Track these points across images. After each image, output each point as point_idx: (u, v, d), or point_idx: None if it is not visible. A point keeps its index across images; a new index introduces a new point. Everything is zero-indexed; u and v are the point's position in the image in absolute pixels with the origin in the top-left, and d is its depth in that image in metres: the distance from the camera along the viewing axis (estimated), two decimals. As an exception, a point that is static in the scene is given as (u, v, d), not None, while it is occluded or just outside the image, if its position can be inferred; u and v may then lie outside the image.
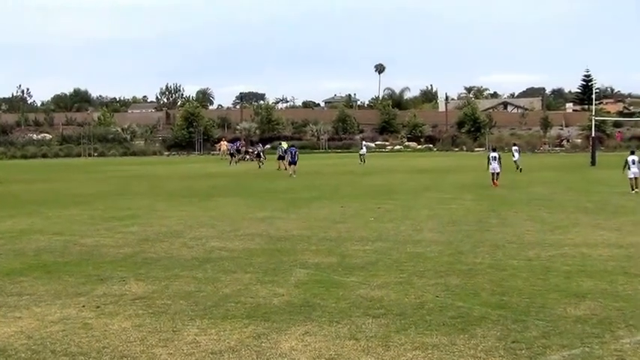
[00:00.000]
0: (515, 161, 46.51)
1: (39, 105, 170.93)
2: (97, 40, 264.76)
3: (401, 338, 8.96)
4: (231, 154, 67.05)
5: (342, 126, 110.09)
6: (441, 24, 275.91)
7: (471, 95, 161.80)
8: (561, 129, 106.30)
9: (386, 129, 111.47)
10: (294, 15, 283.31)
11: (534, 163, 57.75)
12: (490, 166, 35.42)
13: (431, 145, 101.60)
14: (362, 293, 11.38)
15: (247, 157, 71.21)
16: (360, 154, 64.11)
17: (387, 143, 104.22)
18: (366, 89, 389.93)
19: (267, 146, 59.45)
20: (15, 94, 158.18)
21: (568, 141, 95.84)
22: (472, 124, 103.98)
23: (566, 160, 66.65)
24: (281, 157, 53.30)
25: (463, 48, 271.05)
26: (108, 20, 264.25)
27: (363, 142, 71.52)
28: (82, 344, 8.86)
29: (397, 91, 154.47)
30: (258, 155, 59.67)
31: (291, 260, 14.43)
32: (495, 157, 35.62)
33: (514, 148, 49.53)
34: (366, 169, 53.16)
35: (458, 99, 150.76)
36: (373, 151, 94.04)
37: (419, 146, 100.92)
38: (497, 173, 35.19)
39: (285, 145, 74.93)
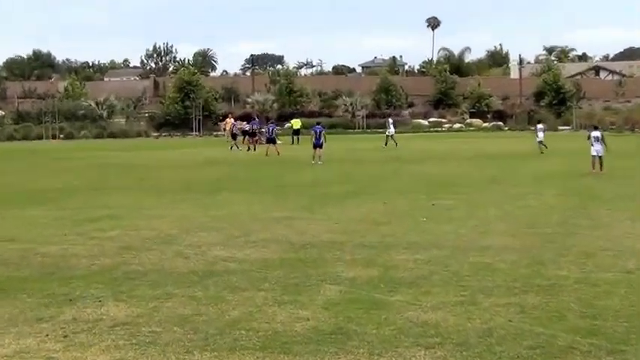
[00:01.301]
0: (539, 142, 52.07)
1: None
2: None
3: (463, 376, 8.96)
4: (234, 135, 67.07)
5: (385, 98, 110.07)
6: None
7: (552, 58, 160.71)
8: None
9: (442, 102, 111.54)
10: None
11: (633, 146, 57.33)
12: (592, 149, 35.84)
13: (500, 123, 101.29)
14: (411, 316, 11.37)
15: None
16: (388, 135, 65.15)
17: (443, 120, 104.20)
18: (416, 50, 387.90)
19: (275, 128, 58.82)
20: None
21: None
22: (554, 95, 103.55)
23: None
24: (271, 140, 54.49)
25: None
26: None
27: (390, 120, 71.75)
28: (45, 384, 8.93)
29: (456, 52, 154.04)
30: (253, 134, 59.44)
31: (319, 274, 14.45)
32: (598, 137, 36.15)
33: (539, 126, 54.78)
34: (410, 154, 53.02)
35: (535, 62, 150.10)
36: (426, 131, 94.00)
37: (485, 124, 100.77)
38: (600, 157, 35.43)
39: (296, 123, 75.25)
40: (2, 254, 17.15)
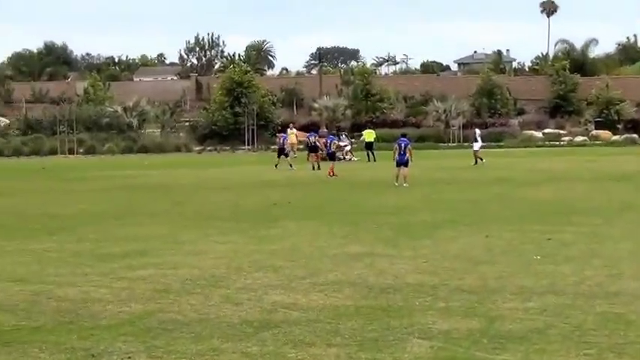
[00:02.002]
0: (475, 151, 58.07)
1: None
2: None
3: None
4: (282, 150, 67.08)
5: (488, 103, 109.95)
6: None
7: None
8: None
9: (560, 108, 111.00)
10: None
11: None
12: None
13: (635, 136, 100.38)
14: (523, 382, 11.34)
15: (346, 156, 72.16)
16: (474, 151, 65.79)
17: (562, 132, 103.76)
18: (528, 43, 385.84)
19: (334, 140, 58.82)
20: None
21: None
22: None
23: None
24: (330, 156, 55.52)
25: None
26: None
27: (477, 131, 71.65)
28: None
29: (578, 45, 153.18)
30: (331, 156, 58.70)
31: (405, 325, 14.44)
32: None
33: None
34: (519, 174, 52.86)
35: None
36: (540, 146, 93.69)
37: (615, 137, 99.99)
38: None
39: (369, 135, 75.44)
40: (9, 298, 17.33)
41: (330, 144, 58.02)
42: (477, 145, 65.59)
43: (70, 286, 18.43)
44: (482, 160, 63.12)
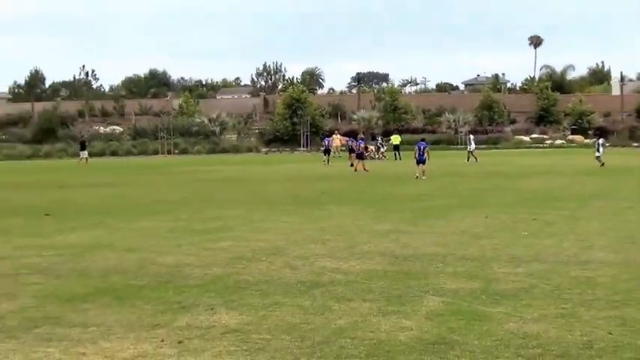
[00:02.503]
0: (470, 152, 58.05)
1: (107, 90, 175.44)
2: (178, 8, 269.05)
3: (563, 387, 8.85)
4: (327, 151, 67.73)
5: (488, 115, 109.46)
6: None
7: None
8: None
9: (544, 118, 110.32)
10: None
11: None
12: None
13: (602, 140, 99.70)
14: (512, 328, 11.27)
15: (377, 154, 72.09)
16: (469, 151, 66.14)
17: (545, 137, 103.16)
18: (519, 68, 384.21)
19: (362, 143, 58.71)
20: (78, 77, 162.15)
21: None
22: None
23: None
24: (359, 156, 55.03)
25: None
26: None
27: (471, 136, 71.61)
28: (161, 387, 9.04)
29: (558, 69, 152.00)
30: (360, 155, 57.92)
31: (422, 285, 14.40)
32: None
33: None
34: (511, 169, 52.53)
35: (637, 79, 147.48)
36: (528, 147, 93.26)
37: (586, 140, 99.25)
38: None
39: (396, 139, 75.32)
40: (121, 263, 17.44)
41: (359, 146, 57.77)
42: (471, 147, 65.91)
43: (167, 255, 18.50)
44: (476, 159, 62.98)
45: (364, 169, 52.24)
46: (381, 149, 75.77)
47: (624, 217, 24.83)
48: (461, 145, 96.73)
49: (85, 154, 77.01)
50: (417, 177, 43.30)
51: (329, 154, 67.62)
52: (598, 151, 55.26)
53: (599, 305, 12.61)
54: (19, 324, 12.04)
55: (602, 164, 52.75)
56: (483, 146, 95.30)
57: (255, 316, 12.26)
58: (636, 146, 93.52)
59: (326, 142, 70.66)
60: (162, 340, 10.94)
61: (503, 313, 12.15)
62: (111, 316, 12.43)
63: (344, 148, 71.31)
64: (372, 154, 71.68)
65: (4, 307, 13.22)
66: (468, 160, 63.84)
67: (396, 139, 75.68)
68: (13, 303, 13.51)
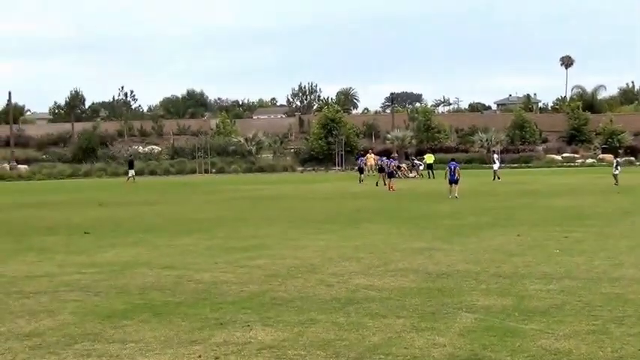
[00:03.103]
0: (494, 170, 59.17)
1: (145, 110, 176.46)
2: (215, 30, 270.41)
3: (595, 403, 8.80)
4: (361, 169, 68.35)
5: (520, 134, 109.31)
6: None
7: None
8: None
9: (575, 138, 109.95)
10: (455, 6, 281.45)
11: None
12: None
13: (632, 158, 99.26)
14: (544, 344, 11.22)
15: (409, 173, 72.23)
16: (494, 170, 66.63)
17: (576, 156, 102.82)
18: (550, 88, 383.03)
19: (393, 162, 58.57)
20: (117, 98, 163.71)
21: None
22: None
23: None
24: (390, 174, 55.46)
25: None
26: (226, 5, 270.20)
27: (495, 155, 71.78)
28: (198, 403, 9.07)
29: (589, 90, 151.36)
30: (391, 174, 57.32)
31: (455, 302, 14.35)
32: None
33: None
34: (543, 187, 52.35)
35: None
36: (559, 166, 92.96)
37: (617, 159, 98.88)
38: None
39: (430, 158, 75.37)
40: (159, 280, 17.49)
41: (389, 165, 57.81)
42: (496, 166, 66.27)
43: (204, 272, 18.54)
44: (498, 177, 63.10)
45: (390, 189, 52.17)
46: (419, 168, 76.03)
47: (655, 234, 24.70)
48: (493, 163, 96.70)
49: (132, 172, 77.84)
50: (450, 196, 43.10)
51: (362, 173, 68.09)
52: (615, 169, 56.11)
53: (629, 322, 12.53)
54: (59, 340, 12.11)
55: (616, 183, 53.28)
56: (515, 165, 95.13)
57: (290, 333, 12.26)
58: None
59: (359, 162, 71.34)
60: (200, 357, 10.96)
61: (535, 330, 12.09)
62: (149, 333, 12.47)
63: (359, 166, 71.43)
64: (405, 173, 71.82)
65: (45, 323, 13.31)
66: (494, 179, 63.65)
67: (429, 158, 75.88)
68: (52, 320, 13.59)
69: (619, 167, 56.44)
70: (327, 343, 11.52)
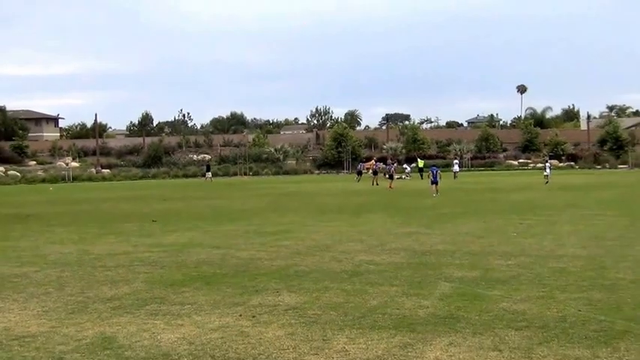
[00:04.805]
0: (545, 175, 55.50)
1: (199, 128, 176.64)
2: (253, 66, 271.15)
3: (543, 350, 8.76)
4: (359, 172, 71.90)
5: (485, 145, 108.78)
6: (580, 48, 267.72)
7: (612, 114, 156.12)
8: None
9: (528, 147, 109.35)
10: (435, 44, 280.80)
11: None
12: None
13: (572, 163, 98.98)
14: (505, 306, 11.19)
15: (403, 176, 72.35)
16: (454, 172, 69.53)
17: (529, 161, 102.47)
18: (509, 109, 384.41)
19: (392, 167, 58.45)
20: (177, 118, 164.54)
21: None
22: (614, 142, 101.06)
23: None
24: (390, 176, 55.49)
25: (605, 68, 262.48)
26: (264, 47, 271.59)
27: (455, 161, 72.84)
28: (239, 351, 9.07)
29: (539, 110, 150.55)
30: (391, 176, 56.55)
31: (436, 274, 14.33)
32: None
33: (547, 164, 59.02)
34: (504, 185, 52.22)
35: (600, 117, 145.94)
36: (516, 169, 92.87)
37: (560, 164, 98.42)
38: None
39: (421, 163, 75.32)
40: (210, 257, 17.52)
41: (390, 169, 57.83)
42: (455, 167, 68.70)
43: (243, 250, 18.56)
44: (455, 177, 63.92)
45: (389, 187, 52.12)
46: (407, 170, 76.48)
47: (589, 221, 24.60)
48: (465, 167, 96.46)
49: (209, 174, 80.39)
50: (433, 195, 42.93)
51: (360, 175, 70.85)
52: (545, 170, 56.52)
53: (570, 289, 12.48)
54: (133, 302, 12.15)
55: (547, 182, 53.21)
56: (482, 168, 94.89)
57: (310, 297, 12.26)
58: (598, 168, 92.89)
59: (359, 166, 74.69)
60: (240, 315, 10.99)
61: (497, 295, 12.06)
62: (202, 297, 12.50)
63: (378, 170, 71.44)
64: (401, 176, 71.99)
65: (123, 290, 13.35)
66: (454, 178, 65.99)
67: (421, 162, 75.54)
68: (128, 287, 13.64)
69: (549, 169, 56.89)
70: (338, 305, 11.52)
